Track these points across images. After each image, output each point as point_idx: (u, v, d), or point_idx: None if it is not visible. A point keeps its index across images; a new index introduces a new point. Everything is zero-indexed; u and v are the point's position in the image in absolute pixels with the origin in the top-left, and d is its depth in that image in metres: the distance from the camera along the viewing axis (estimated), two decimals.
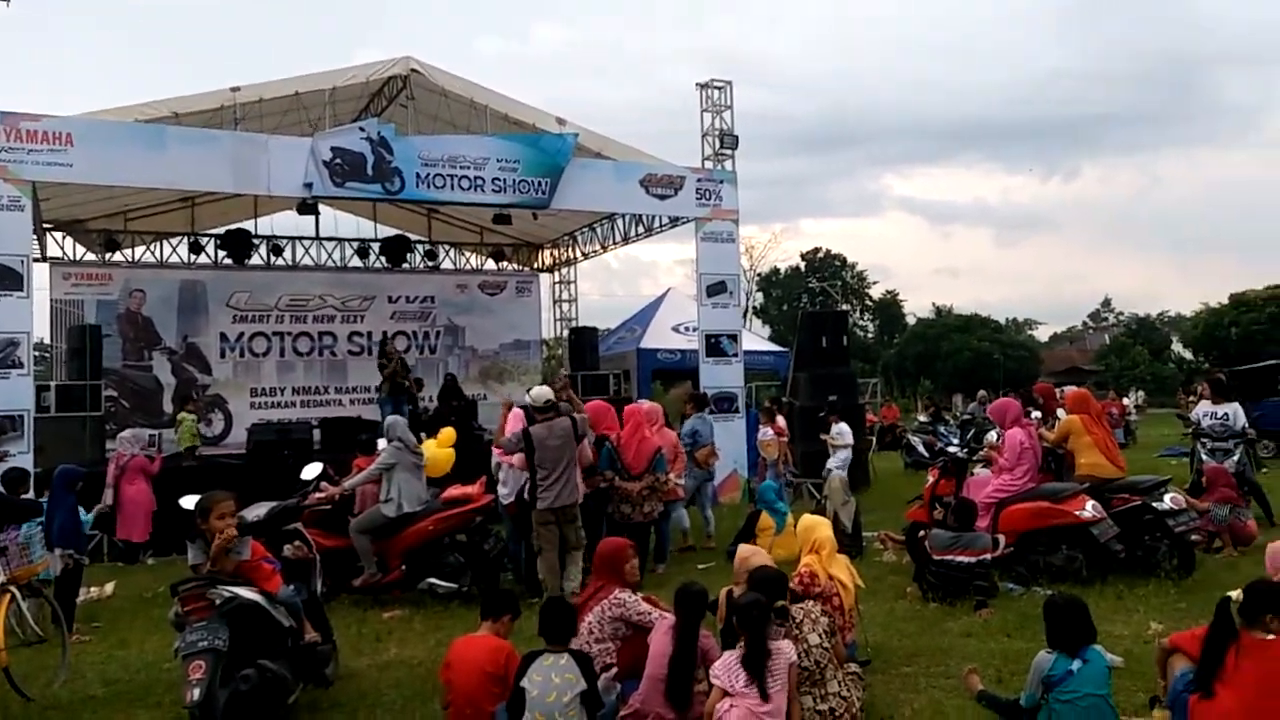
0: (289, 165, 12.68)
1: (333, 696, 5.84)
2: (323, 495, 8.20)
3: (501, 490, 8.92)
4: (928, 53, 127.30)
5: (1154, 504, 8.31)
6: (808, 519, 6.66)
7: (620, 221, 18.90)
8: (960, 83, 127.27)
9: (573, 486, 8.11)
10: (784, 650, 4.76)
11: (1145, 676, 5.46)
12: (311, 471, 7.33)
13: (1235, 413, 11.01)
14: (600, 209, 17.21)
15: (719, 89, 15.87)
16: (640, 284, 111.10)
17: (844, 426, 13.36)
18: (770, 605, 4.97)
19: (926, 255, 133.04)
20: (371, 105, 15.88)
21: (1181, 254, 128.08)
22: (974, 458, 10.24)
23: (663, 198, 14.91)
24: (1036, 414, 12.25)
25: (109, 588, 9.56)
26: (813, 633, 5.04)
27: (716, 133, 15.75)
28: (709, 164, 15.65)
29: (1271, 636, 4.46)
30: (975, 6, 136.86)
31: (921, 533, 8.34)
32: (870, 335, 75.07)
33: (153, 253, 19.41)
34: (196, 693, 4.78)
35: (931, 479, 9.56)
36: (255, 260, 19.57)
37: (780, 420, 14.39)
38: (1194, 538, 8.50)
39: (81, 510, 8.66)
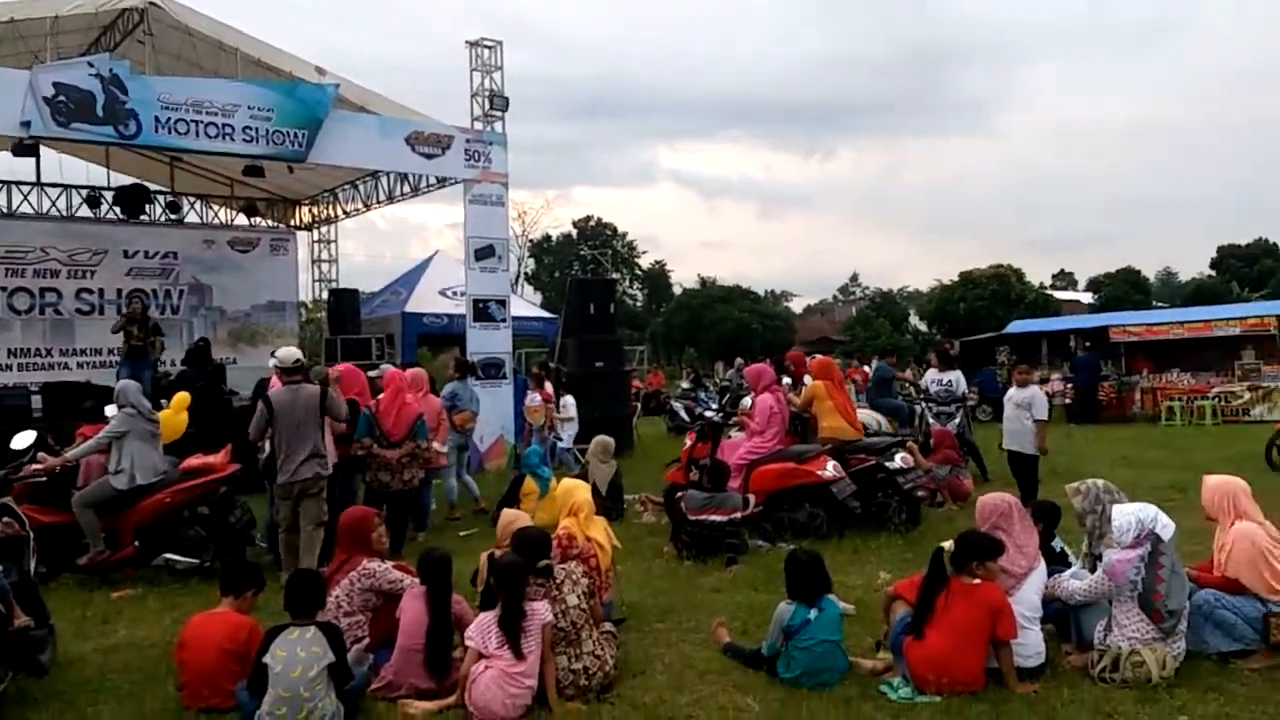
0: (2, 101, 11.29)
1: (49, 686, 5.32)
2: (40, 467, 7.44)
3: None
4: (700, 26, 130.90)
5: (886, 463, 9.01)
6: (567, 483, 6.73)
7: (385, 180, 18.21)
8: (728, 59, 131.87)
9: (316, 460, 7.50)
10: (539, 611, 4.79)
11: (874, 622, 5.90)
12: (23, 441, 6.64)
13: (957, 379, 12.12)
14: (363, 166, 16.51)
15: (489, 48, 15.56)
16: (409, 245, 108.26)
17: (569, 399, 13.68)
18: (528, 567, 4.98)
19: (695, 227, 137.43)
20: (103, 40, 14.41)
21: (921, 234, 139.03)
22: (729, 422, 10.68)
23: (429, 157, 14.46)
24: (787, 380, 12.96)
25: None
26: (572, 594, 5.09)
27: (486, 93, 15.44)
28: (479, 125, 15.33)
29: (977, 581, 4.95)
30: None
31: (679, 494, 8.62)
32: (639, 304, 76.75)
33: None
34: None
35: (689, 442, 9.90)
36: None
37: (549, 386, 14.45)
38: (920, 494, 9.31)
39: None
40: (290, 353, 7.86)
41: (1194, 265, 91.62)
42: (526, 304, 25.74)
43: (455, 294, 18.55)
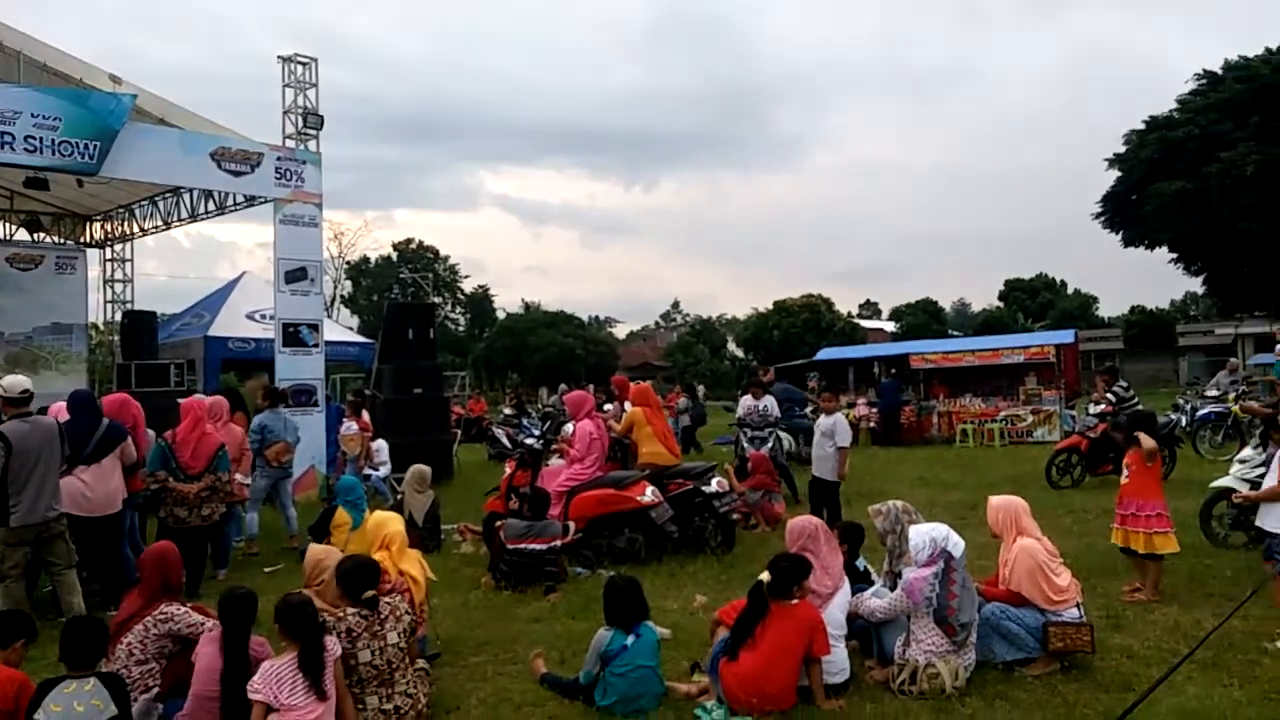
0: None
1: None
2: None
3: None
4: (523, 53, 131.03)
5: (703, 488, 9.19)
6: (379, 515, 6.52)
7: (188, 197, 17.17)
8: (552, 87, 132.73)
9: (54, 496, 6.76)
10: (329, 647, 4.56)
11: (690, 645, 5.99)
12: None
13: (771, 404, 12.52)
14: (163, 181, 15.50)
15: (303, 65, 15.05)
16: (216, 266, 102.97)
17: (381, 443, 13.60)
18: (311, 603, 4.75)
19: (520, 252, 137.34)
20: None
21: (738, 263, 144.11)
22: (550, 448, 10.64)
23: (237, 174, 13.76)
24: (609, 406, 13.05)
25: None
26: (393, 630, 4.90)
27: (300, 110, 14.90)
28: (291, 143, 14.77)
29: (795, 601, 5.10)
30: (565, 8, 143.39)
31: (498, 523, 8.50)
32: (461, 329, 75.74)
33: None
34: None
35: (509, 470, 9.79)
36: None
37: (365, 415, 14.00)
38: (734, 517, 9.55)
39: None
40: (17, 382, 6.99)
41: (985, 297, 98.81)
42: (342, 328, 24.83)
43: (264, 317, 17.69)
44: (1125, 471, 7.19)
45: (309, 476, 13.98)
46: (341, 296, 64.94)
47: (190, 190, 16.50)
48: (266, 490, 10.39)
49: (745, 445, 12.38)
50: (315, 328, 14.59)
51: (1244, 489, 7.47)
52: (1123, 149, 38.98)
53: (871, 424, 21.62)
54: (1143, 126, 38.09)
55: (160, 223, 18.76)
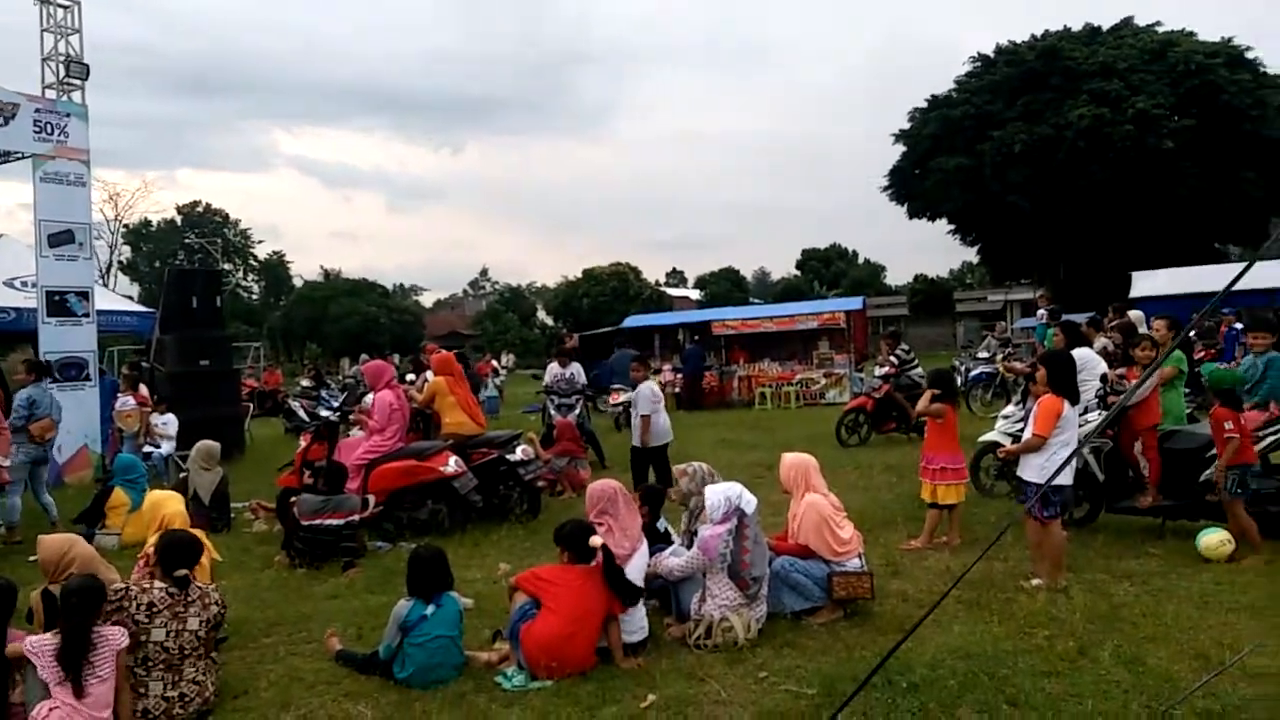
0: None
1: None
2: None
3: None
4: (331, 9, 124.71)
5: (508, 456, 9.14)
6: (156, 495, 6.14)
7: None
8: (360, 47, 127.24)
9: None
10: (112, 637, 4.27)
11: (493, 614, 5.95)
12: None
13: (577, 371, 12.59)
14: None
15: (64, 8, 13.76)
16: None
17: (170, 417, 12.78)
18: (99, 592, 4.42)
19: (320, 217, 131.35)
20: None
21: (548, 231, 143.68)
22: (347, 420, 10.30)
23: None
24: (412, 376, 12.77)
25: None
26: (196, 617, 4.64)
27: (61, 58, 13.63)
28: (51, 94, 13.50)
29: (593, 564, 5.16)
30: None
31: (292, 499, 8.15)
32: (255, 297, 72.04)
33: None
34: None
35: (303, 444, 9.41)
36: None
37: (143, 389, 13.08)
38: (540, 484, 9.56)
39: None
40: None
41: (784, 266, 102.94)
42: (119, 297, 23.01)
43: (26, 284, 16.16)
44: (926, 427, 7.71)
45: (81, 457, 12.99)
46: (120, 263, 60.24)
47: None
48: (27, 470, 9.52)
49: (552, 412, 12.41)
50: (85, 296, 13.47)
51: (1007, 442, 8.12)
52: (908, 125, 41.40)
53: (676, 389, 22.15)
54: (925, 105, 40.57)
55: None
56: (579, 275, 62.63)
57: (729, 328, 23.32)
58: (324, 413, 10.37)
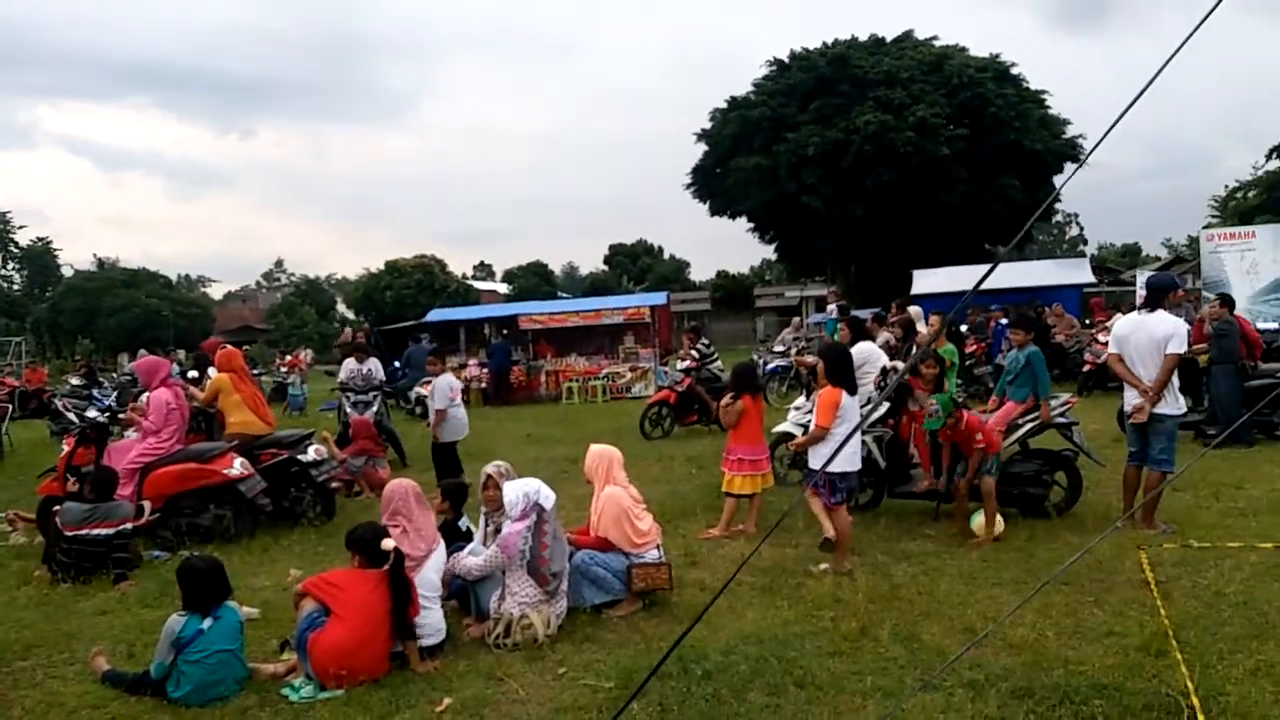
0: None
1: None
2: None
3: None
4: None
5: (299, 457, 8.73)
6: None
7: None
8: (135, 18, 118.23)
9: None
10: None
11: (281, 623, 5.66)
12: None
13: (375, 367, 12.20)
14: None
15: None
16: None
17: None
18: None
19: (93, 201, 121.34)
20: None
21: (348, 221, 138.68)
22: (116, 421, 9.56)
23: None
24: (195, 374, 12.00)
25: None
26: None
27: None
28: None
29: (385, 568, 4.98)
30: None
31: (55, 508, 7.47)
32: (17, 287, 65.90)
33: None
34: None
35: (67, 448, 8.65)
36: None
37: None
38: (334, 485, 9.19)
39: None
40: None
41: (593, 261, 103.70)
42: None
43: None
44: None
45: None
46: None
47: None
48: None
49: (348, 410, 11.96)
50: None
51: (799, 433, 8.45)
52: (709, 125, 42.53)
53: (483, 384, 21.89)
54: (725, 105, 41.79)
55: None
56: (381, 267, 60.74)
57: (536, 322, 23.25)
58: (92, 413, 9.53)
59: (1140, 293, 8.00)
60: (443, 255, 62.32)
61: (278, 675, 4.91)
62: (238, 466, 8.11)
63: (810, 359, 13.25)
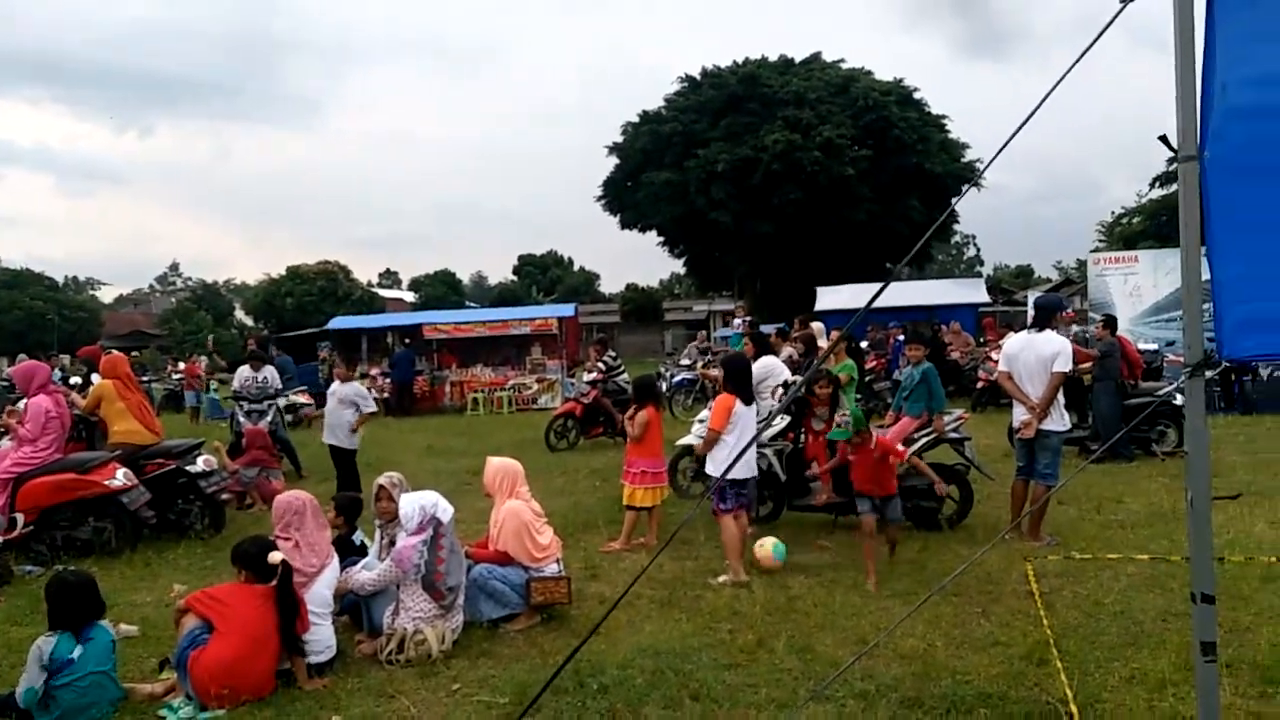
0: None
1: None
2: None
3: None
4: None
5: (188, 468, 8.41)
6: None
7: None
8: (32, 8, 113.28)
9: None
10: None
11: (163, 641, 5.43)
12: None
13: (272, 375, 11.85)
14: None
15: None
16: None
17: None
18: None
19: None
20: None
21: (249, 225, 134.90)
22: None
23: None
24: (77, 379, 11.49)
25: None
26: None
27: None
28: None
29: (273, 583, 4.82)
30: None
31: None
32: None
33: None
34: None
35: None
36: None
37: None
38: (224, 497, 8.88)
39: None
40: None
41: (502, 271, 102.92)
42: None
43: None
44: None
45: None
46: None
47: None
48: None
49: (241, 419, 11.59)
50: None
51: (700, 445, 8.52)
52: (621, 139, 42.69)
53: (385, 394, 21.48)
54: (637, 120, 42.00)
55: None
56: (283, 273, 59.10)
57: (441, 331, 22.95)
58: None
59: (1030, 313, 8.27)
60: (348, 262, 60.99)
61: (155, 696, 4.70)
62: (120, 477, 7.76)
63: (715, 372, 13.38)
